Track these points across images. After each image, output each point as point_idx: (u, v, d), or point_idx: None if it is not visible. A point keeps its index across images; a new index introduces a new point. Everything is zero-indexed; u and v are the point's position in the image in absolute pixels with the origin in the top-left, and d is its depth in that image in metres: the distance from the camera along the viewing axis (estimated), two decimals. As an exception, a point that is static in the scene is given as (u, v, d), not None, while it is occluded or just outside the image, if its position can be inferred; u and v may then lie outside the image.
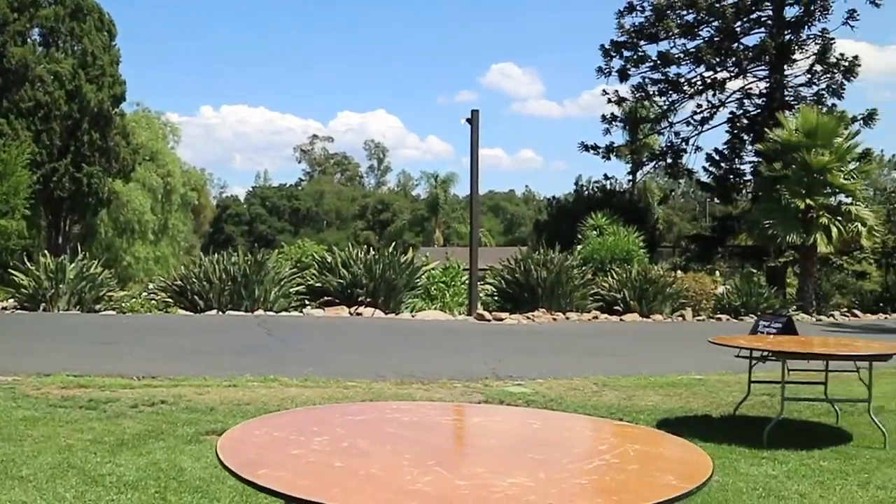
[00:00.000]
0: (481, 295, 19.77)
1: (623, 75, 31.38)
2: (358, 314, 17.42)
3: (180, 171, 51.81)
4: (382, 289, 18.02)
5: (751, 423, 7.23)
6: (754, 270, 27.35)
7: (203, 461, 5.42)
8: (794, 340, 7.64)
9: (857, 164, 25.23)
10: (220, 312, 16.85)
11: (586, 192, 35.19)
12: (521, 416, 4.11)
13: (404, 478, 2.35)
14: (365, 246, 21.02)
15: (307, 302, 18.30)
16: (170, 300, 17.55)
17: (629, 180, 39.17)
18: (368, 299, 17.90)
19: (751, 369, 7.37)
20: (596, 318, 18.95)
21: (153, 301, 17.57)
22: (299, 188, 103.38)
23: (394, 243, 21.72)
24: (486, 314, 17.76)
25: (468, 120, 19.10)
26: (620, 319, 18.94)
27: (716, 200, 36.53)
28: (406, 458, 2.57)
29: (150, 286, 19.85)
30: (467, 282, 19.44)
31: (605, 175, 35.26)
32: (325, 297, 18.20)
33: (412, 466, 2.45)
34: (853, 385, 7.69)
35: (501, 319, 17.51)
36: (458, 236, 74.51)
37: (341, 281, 18.22)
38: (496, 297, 19.83)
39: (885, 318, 23.89)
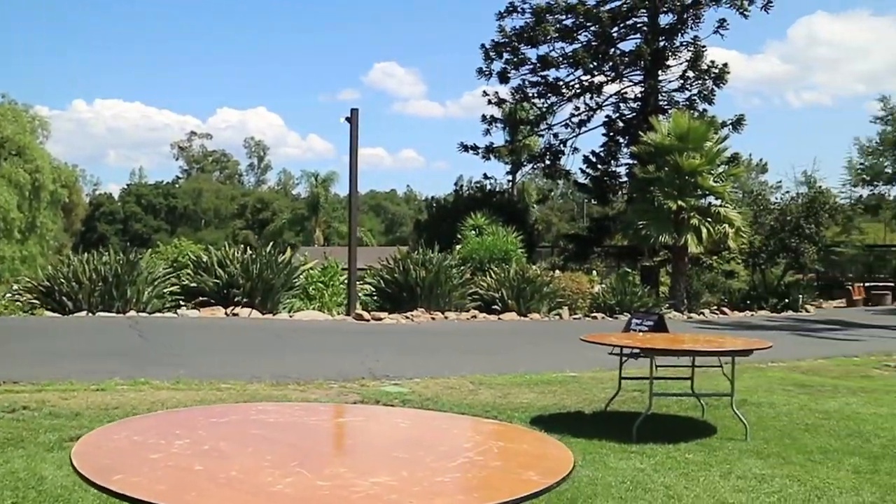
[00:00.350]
0: (360, 295, 19.70)
1: (503, 77, 31.77)
2: (234, 315, 17.12)
3: (50, 166, 49.75)
4: (260, 289, 17.76)
5: (621, 418, 7.40)
6: (629, 270, 28.03)
7: (66, 469, 5.21)
8: (663, 338, 7.86)
9: (726, 167, 26.16)
10: (91, 314, 16.30)
11: (466, 193, 35.45)
12: (389, 415, 4.10)
13: (264, 480, 2.31)
14: (243, 245, 20.68)
15: (182, 303, 17.87)
16: (36, 301, 16.87)
17: (509, 181, 39.74)
18: (245, 300, 17.61)
19: (621, 366, 7.54)
20: (474, 317, 19.11)
21: (18, 302, 16.86)
22: (176, 186, 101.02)
23: (272, 243, 21.44)
24: (365, 314, 17.71)
25: (347, 119, 19.00)
26: (498, 318, 19.15)
27: (593, 201, 37.34)
28: (268, 459, 2.52)
29: (15, 287, 19.04)
30: (346, 281, 19.33)
31: (485, 175, 35.67)
32: (201, 298, 17.82)
33: (273, 468, 2.41)
34: (719, 380, 7.97)
35: (380, 319, 17.48)
36: (338, 236, 74.08)
37: (217, 281, 17.87)
38: (375, 297, 19.78)
39: (752, 314, 24.85)
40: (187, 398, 7.92)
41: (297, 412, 3.50)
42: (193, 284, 18.10)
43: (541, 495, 2.25)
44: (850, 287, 34.85)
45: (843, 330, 20.24)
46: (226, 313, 17.20)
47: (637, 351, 7.21)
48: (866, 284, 37.01)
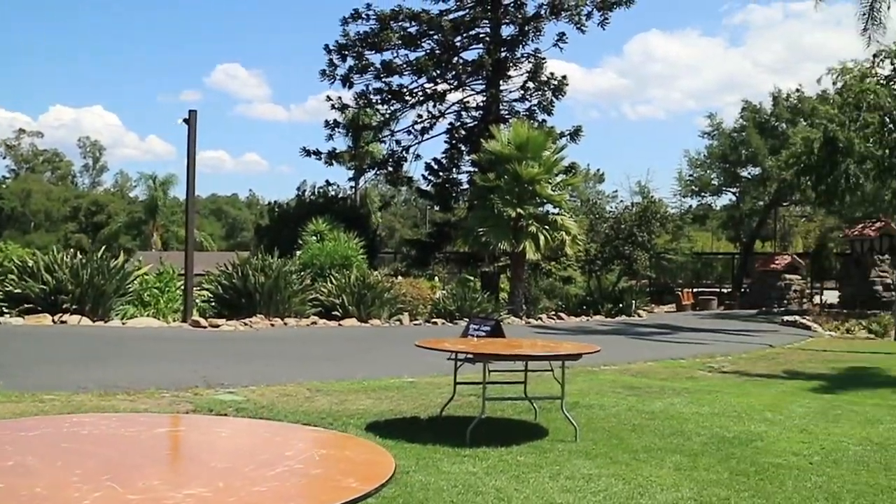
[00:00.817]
0: (198, 301, 19.19)
1: (347, 82, 31.61)
2: (62, 322, 16.36)
3: None
4: (90, 295, 17.03)
5: (456, 423, 7.47)
6: (470, 276, 28.43)
7: None
8: (499, 343, 7.99)
9: (564, 176, 26.90)
10: None
11: (309, 198, 35.11)
12: (212, 424, 3.99)
13: (71, 495, 2.20)
14: (73, 250, 19.79)
15: (5, 310, 16.94)
16: None
17: (351, 187, 39.64)
18: (75, 306, 16.84)
19: (456, 371, 7.63)
20: (315, 323, 18.94)
21: None
22: (3, 186, 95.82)
23: (106, 247, 20.62)
24: (202, 321, 17.27)
25: (185, 120, 18.47)
26: (339, 324, 19.05)
27: (435, 208, 37.61)
28: (77, 473, 2.41)
29: None
30: (183, 287, 18.80)
31: (328, 181, 35.44)
32: (26, 305, 16.93)
33: (82, 482, 2.31)
34: (553, 383, 8.15)
35: (218, 326, 17.09)
36: (177, 240, 72.04)
37: (44, 287, 17.02)
38: (213, 304, 19.30)
39: (588, 319, 25.62)
40: (5, 411, 7.50)
41: (114, 423, 3.36)
42: (18, 290, 17.16)
43: (359, 502, 2.24)
44: (680, 292, 36.48)
45: (672, 334, 21.15)
46: (53, 321, 16.41)
47: (471, 356, 7.30)
48: (695, 290, 38.89)
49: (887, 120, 33.28)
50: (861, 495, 5.74)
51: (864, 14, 24.70)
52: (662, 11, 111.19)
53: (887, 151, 33.00)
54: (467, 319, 12.93)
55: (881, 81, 34.85)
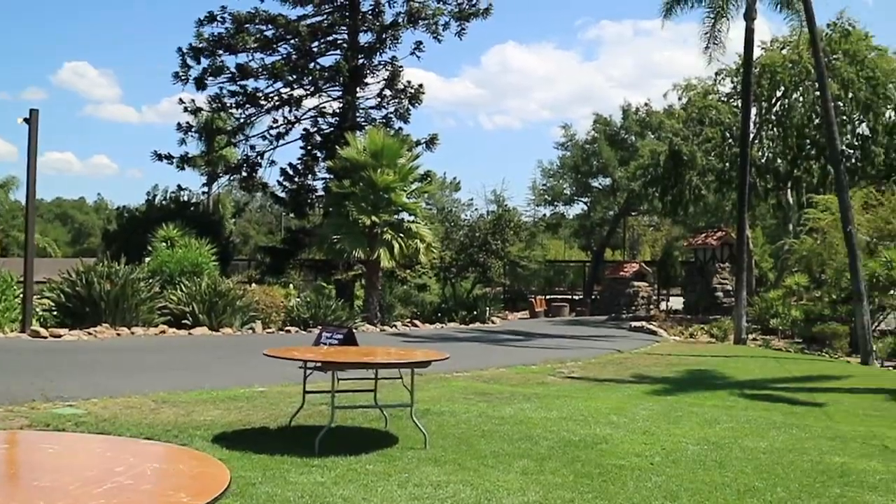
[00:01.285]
0: (38, 310, 18.33)
1: (200, 84, 30.83)
2: None
3: None
4: (-82, 304, 16.06)
5: (306, 432, 7.38)
6: (325, 283, 28.21)
7: None
8: (350, 351, 7.94)
9: (419, 184, 27.04)
10: None
11: (160, 203, 34.11)
12: (40, 440, 3.80)
13: None
14: None
15: None
16: None
17: (204, 192, 38.70)
18: None
19: (305, 380, 7.54)
20: (164, 332, 18.36)
21: None
22: None
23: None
24: (42, 331, 16.48)
25: (26, 119, 17.63)
26: (189, 333, 18.54)
27: (290, 215, 37.16)
28: None
29: None
30: (21, 295, 17.91)
31: (180, 186, 34.47)
32: None
33: None
34: (405, 391, 8.14)
35: (59, 336, 16.35)
36: (18, 246, 68.66)
37: None
38: (55, 312, 18.47)
39: (443, 326, 25.84)
40: None
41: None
42: None
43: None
44: (533, 299, 37.21)
45: (525, 340, 21.55)
46: None
47: (320, 364, 7.23)
48: (547, 297, 39.74)
49: (727, 135, 35.01)
50: (697, 493, 5.98)
51: (707, 34, 25.91)
52: (519, 24, 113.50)
53: (727, 165, 34.74)
54: (320, 327, 12.83)
55: (722, 98, 36.67)
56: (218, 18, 30.56)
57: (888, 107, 34.14)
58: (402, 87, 31.47)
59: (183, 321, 19.10)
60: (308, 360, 7.20)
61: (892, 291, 22.74)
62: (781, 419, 9.49)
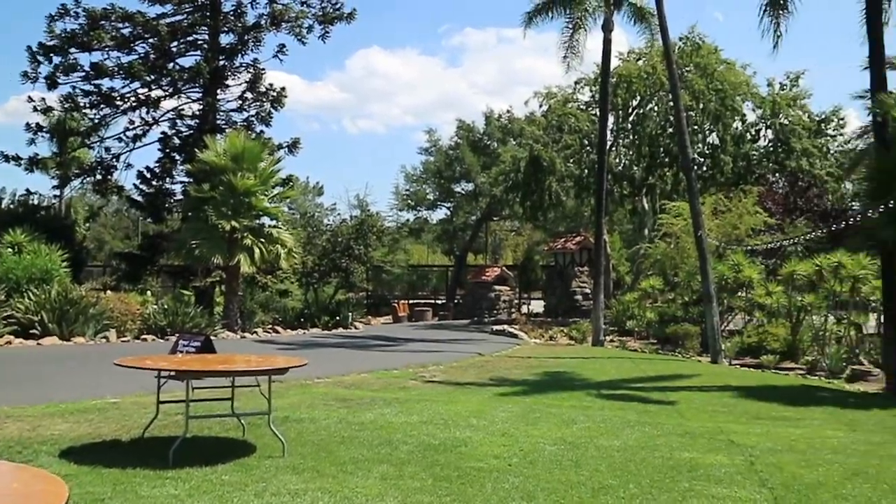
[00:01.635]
0: None
1: (52, 83, 29.56)
2: None
3: None
4: None
5: (160, 444, 7.15)
6: (184, 290, 27.53)
7: None
8: (204, 359, 7.74)
9: (281, 188, 26.72)
10: None
11: (7, 207, 32.58)
12: None
13: None
14: None
15: None
16: None
17: (56, 196, 37.19)
18: None
19: (159, 390, 7.32)
20: (9, 343, 17.49)
21: None
22: None
23: None
24: None
25: None
26: (38, 344, 17.75)
27: (148, 219, 36.05)
28: None
29: None
30: None
31: (28, 190, 33.03)
32: None
33: None
34: (265, 398, 8.01)
35: None
36: None
37: None
38: None
39: (305, 332, 25.59)
40: None
41: None
42: None
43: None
44: (396, 304, 37.28)
45: (387, 345, 21.55)
46: None
47: (174, 373, 7.03)
48: (411, 301, 39.87)
49: (586, 142, 35.99)
50: (553, 492, 6.09)
51: (565, 44, 26.59)
52: (384, 29, 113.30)
53: (586, 171, 35.71)
54: (178, 335, 12.50)
55: (581, 107, 37.70)
56: (71, 13, 29.43)
57: (736, 118, 35.87)
58: (265, 89, 31.11)
59: (31, 331, 18.28)
60: (162, 370, 6.98)
61: (739, 293, 23.77)
62: (636, 418, 9.77)
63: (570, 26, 26.75)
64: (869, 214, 14.48)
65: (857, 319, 20.22)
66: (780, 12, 18.40)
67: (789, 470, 7.09)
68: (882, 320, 17.24)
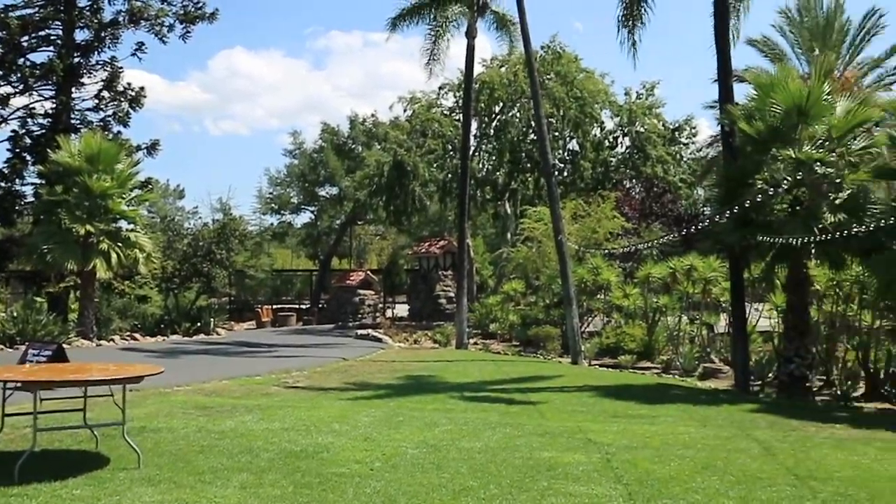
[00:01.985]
0: None
1: None
2: None
3: None
4: None
5: (6, 459, 6.86)
6: (36, 297, 26.42)
7: None
8: (54, 369, 7.47)
9: (139, 191, 26.00)
10: None
11: None
12: None
13: None
14: None
15: None
16: None
17: None
18: None
19: (4, 402, 7.02)
20: None
21: None
22: None
23: None
24: None
25: None
26: None
27: (-3, 223, 34.41)
28: None
29: None
30: None
31: None
32: None
33: None
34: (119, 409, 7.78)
35: None
36: None
37: None
38: None
39: (165, 339, 24.95)
40: None
41: None
42: None
43: None
44: (260, 309, 36.74)
45: (250, 351, 21.25)
46: None
47: (20, 384, 6.75)
48: (274, 306, 39.36)
49: (449, 147, 36.37)
50: (415, 496, 6.15)
51: (428, 50, 26.81)
52: (248, 30, 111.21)
53: (449, 176, 36.07)
54: (27, 344, 11.99)
55: (445, 112, 38.06)
56: None
57: (595, 125, 36.95)
58: (123, 88, 30.10)
59: None
60: (7, 380, 6.69)
61: (598, 295, 24.43)
62: (497, 419, 9.93)
63: (433, 33, 26.98)
64: (718, 219, 15.10)
65: (708, 320, 21.06)
66: (635, 24, 19.11)
67: (643, 466, 7.36)
68: (731, 320, 18.02)
